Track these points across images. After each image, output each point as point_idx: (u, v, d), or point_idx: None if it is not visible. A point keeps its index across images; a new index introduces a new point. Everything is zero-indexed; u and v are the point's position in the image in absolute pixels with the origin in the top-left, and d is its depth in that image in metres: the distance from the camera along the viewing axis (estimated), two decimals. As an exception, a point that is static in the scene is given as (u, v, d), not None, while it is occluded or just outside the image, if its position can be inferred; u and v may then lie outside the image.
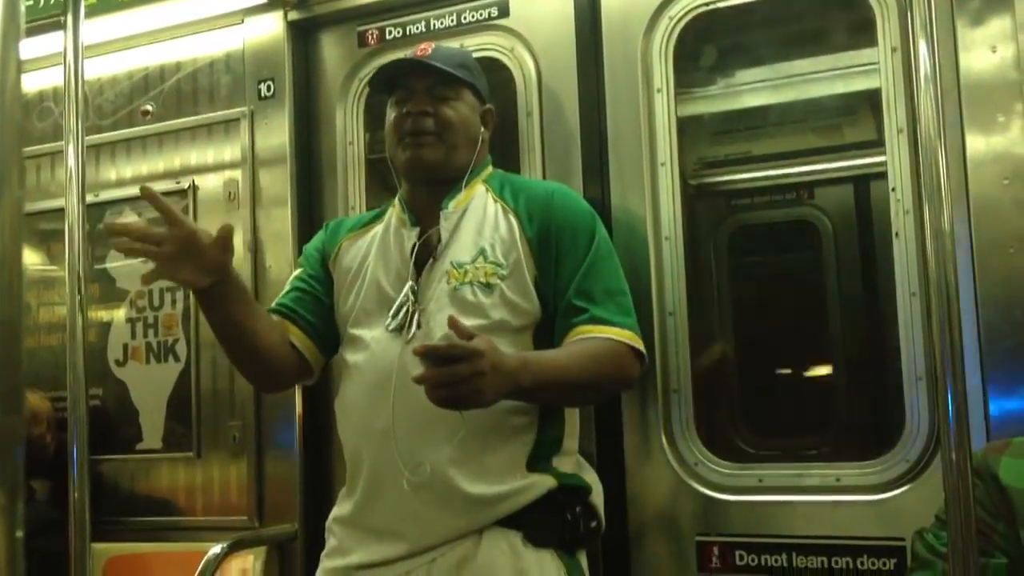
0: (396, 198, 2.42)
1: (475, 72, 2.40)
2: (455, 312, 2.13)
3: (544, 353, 2.18)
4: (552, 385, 2.10)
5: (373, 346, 2.25)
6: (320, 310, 2.41)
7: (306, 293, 2.43)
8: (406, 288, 2.24)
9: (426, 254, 2.28)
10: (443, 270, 2.24)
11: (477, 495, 2.12)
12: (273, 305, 2.43)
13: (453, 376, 1.85)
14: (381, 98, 2.94)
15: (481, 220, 2.29)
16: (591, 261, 2.24)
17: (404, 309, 2.23)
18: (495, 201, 2.32)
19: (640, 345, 2.24)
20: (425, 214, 2.32)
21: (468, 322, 2.01)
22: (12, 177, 0.70)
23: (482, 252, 2.24)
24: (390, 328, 2.22)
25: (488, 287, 2.20)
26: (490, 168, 2.44)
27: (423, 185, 2.35)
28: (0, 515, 0.71)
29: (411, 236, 2.31)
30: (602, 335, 2.18)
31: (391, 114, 2.35)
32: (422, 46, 2.36)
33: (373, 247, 2.37)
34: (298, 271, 2.50)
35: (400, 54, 2.96)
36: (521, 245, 2.24)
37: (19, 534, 0.72)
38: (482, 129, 2.39)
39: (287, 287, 2.47)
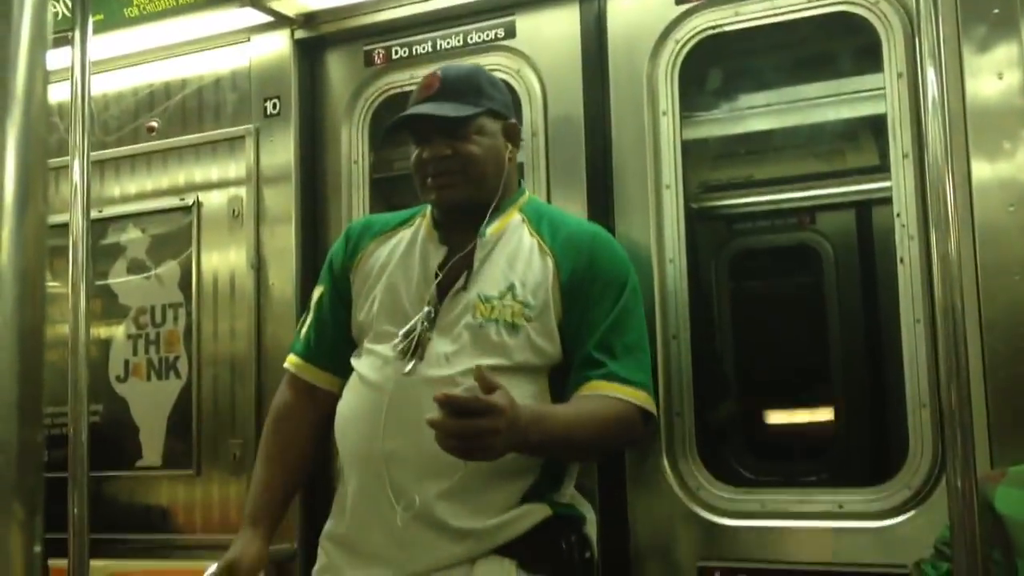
0: (428, 207, 2.37)
1: (489, 92, 2.31)
2: (476, 350, 2.12)
3: (556, 410, 2.15)
4: (558, 443, 2.09)
5: (376, 364, 2.23)
6: (343, 335, 2.39)
7: (326, 323, 2.42)
8: (422, 312, 2.21)
9: (451, 277, 2.24)
10: (468, 301, 2.20)
11: (469, 529, 2.11)
12: (299, 339, 2.46)
13: (470, 430, 1.82)
14: (386, 117, 2.96)
15: (514, 253, 2.25)
16: (618, 314, 2.22)
17: (412, 335, 2.19)
18: (531, 235, 2.28)
19: (651, 407, 2.23)
20: (454, 233, 2.28)
21: (489, 361, 2.01)
22: (37, 190, 0.70)
23: (511, 288, 2.20)
24: (396, 349, 2.20)
25: (514, 328, 2.17)
26: (526, 195, 2.40)
27: (455, 216, 2.30)
28: (18, 530, 0.71)
29: (438, 255, 2.27)
30: (616, 395, 2.17)
31: (413, 152, 2.29)
32: (428, 77, 2.29)
33: (396, 255, 2.33)
34: (320, 290, 2.47)
35: (406, 74, 2.99)
36: (552, 288, 2.21)
37: (37, 549, 0.72)
38: (509, 148, 2.32)
39: (310, 313, 2.47)
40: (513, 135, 2.35)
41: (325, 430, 2.38)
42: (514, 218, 2.31)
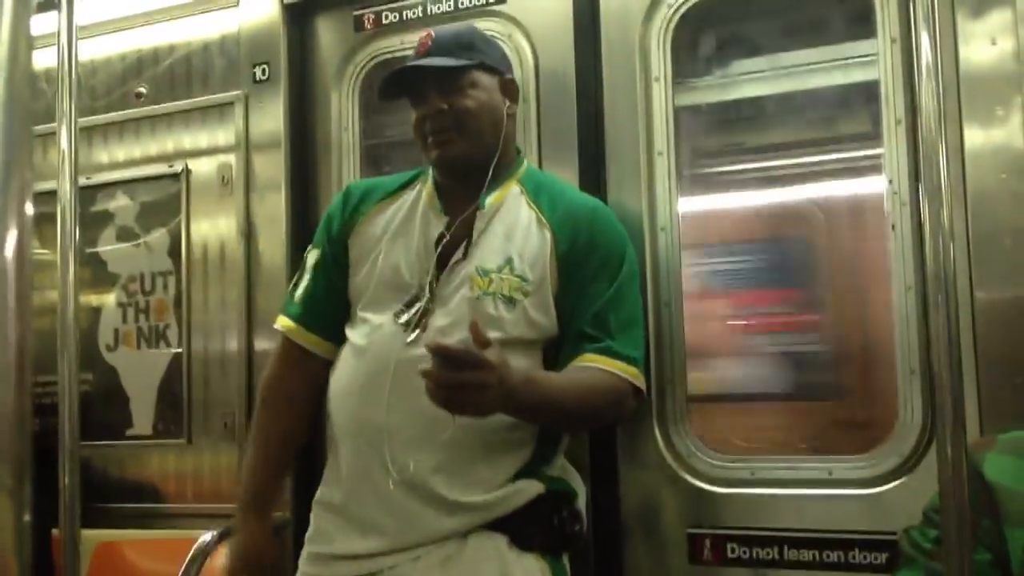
0: (430, 169, 2.35)
1: (482, 47, 2.30)
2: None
3: (548, 376, 2.15)
4: (548, 409, 2.09)
5: (377, 333, 2.21)
6: (338, 301, 2.36)
7: (322, 287, 2.38)
8: (425, 283, 2.20)
9: (450, 248, 2.23)
10: (466, 273, 2.19)
11: (463, 503, 2.11)
12: (294, 301, 2.40)
13: (458, 381, 1.82)
14: (376, 83, 2.94)
15: (513, 225, 2.24)
16: (616, 290, 2.22)
17: (417, 307, 2.18)
18: (529, 206, 2.27)
19: (642, 383, 2.23)
20: (454, 203, 2.27)
21: None
22: (22, 156, 0.69)
23: (509, 261, 2.19)
24: (400, 321, 2.18)
25: (511, 302, 2.16)
26: (524, 164, 2.38)
27: (455, 175, 2.29)
28: (7, 498, 0.71)
29: (439, 225, 2.26)
30: (608, 368, 2.17)
31: (412, 115, 2.29)
32: (422, 37, 2.29)
33: (396, 221, 2.31)
34: (316, 252, 2.41)
35: (396, 40, 2.96)
36: (550, 261, 2.20)
37: (27, 518, 0.72)
38: (506, 103, 2.30)
39: (306, 274, 2.41)
40: (511, 91, 2.34)
41: (318, 402, 2.36)
42: (512, 189, 2.30)
